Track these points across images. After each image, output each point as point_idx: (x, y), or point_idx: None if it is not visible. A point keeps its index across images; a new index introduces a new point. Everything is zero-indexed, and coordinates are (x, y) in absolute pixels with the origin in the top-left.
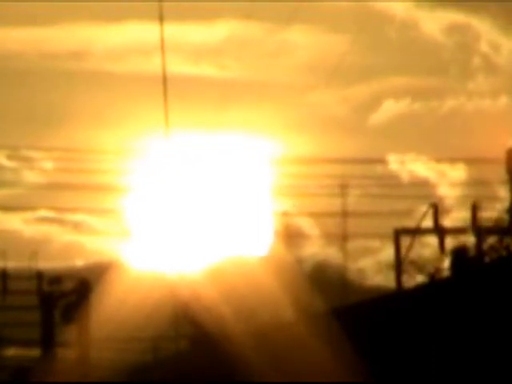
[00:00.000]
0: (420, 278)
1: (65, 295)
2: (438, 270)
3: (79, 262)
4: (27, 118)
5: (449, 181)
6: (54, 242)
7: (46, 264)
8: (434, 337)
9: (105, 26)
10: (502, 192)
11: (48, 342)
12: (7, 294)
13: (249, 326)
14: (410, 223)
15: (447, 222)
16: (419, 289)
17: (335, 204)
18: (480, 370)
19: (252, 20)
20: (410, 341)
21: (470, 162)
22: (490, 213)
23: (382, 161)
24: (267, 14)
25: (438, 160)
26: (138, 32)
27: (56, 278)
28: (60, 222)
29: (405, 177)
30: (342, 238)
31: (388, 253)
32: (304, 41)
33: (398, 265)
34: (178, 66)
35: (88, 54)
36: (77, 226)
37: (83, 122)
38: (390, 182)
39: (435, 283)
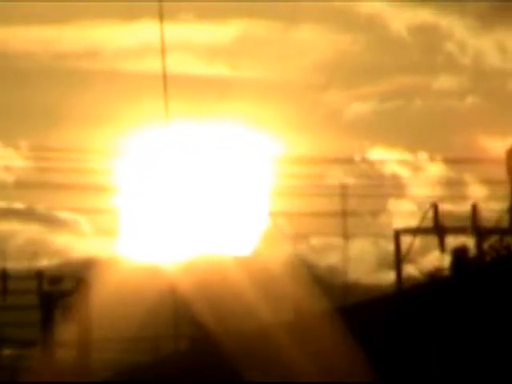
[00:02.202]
0: (411, 269)
1: (64, 295)
2: (438, 269)
3: (44, 261)
4: (53, 117)
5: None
6: (19, 240)
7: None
8: (434, 336)
9: (118, 26)
10: (476, 190)
11: (48, 341)
12: (7, 294)
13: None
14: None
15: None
16: (419, 288)
17: (317, 203)
18: (480, 370)
19: (263, 19)
20: (410, 340)
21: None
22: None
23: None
24: (276, 13)
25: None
26: (149, 31)
27: (56, 278)
28: (34, 219)
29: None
30: (343, 238)
31: (355, 250)
32: (314, 40)
33: (398, 264)
34: (188, 65)
35: (98, 53)
36: (52, 225)
37: (84, 121)
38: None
39: (435, 283)
